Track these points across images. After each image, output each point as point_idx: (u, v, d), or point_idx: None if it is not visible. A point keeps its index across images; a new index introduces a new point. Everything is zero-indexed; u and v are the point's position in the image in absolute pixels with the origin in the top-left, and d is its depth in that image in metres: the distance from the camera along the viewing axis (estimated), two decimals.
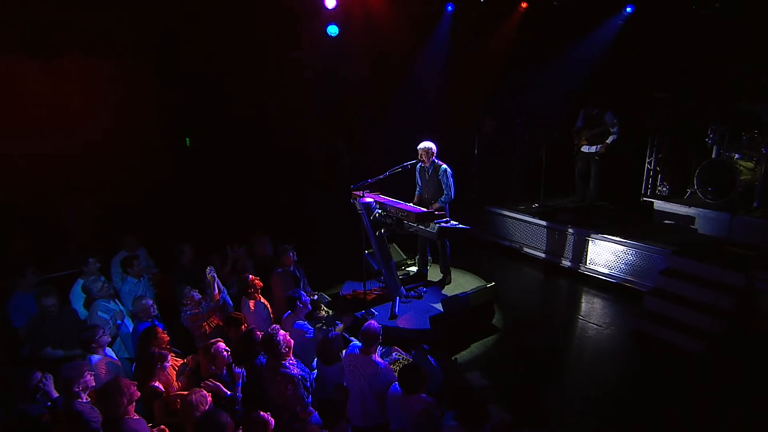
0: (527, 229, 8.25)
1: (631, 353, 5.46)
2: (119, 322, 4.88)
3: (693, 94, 7.89)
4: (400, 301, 6.05)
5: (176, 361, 4.45)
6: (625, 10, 8.21)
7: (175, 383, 4.22)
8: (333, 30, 7.37)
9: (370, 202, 5.67)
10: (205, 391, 3.50)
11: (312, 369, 4.53)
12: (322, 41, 7.49)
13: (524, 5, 8.44)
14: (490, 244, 8.71)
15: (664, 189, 7.72)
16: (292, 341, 4.06)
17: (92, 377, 3.67)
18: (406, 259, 7.34)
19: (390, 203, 5.80)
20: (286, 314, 4.94)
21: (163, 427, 3.51)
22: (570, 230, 7.51)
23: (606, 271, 7.10)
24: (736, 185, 6.70)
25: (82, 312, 5.13)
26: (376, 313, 5.83)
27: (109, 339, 4.46)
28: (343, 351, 4.30)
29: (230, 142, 8.47)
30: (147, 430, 3.34)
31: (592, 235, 7.19)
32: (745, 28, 7.14)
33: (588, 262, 7.31)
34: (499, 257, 8.32)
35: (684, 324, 5.47)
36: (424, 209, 5.64)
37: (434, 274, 6.98)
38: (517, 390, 4.75)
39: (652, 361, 5.24)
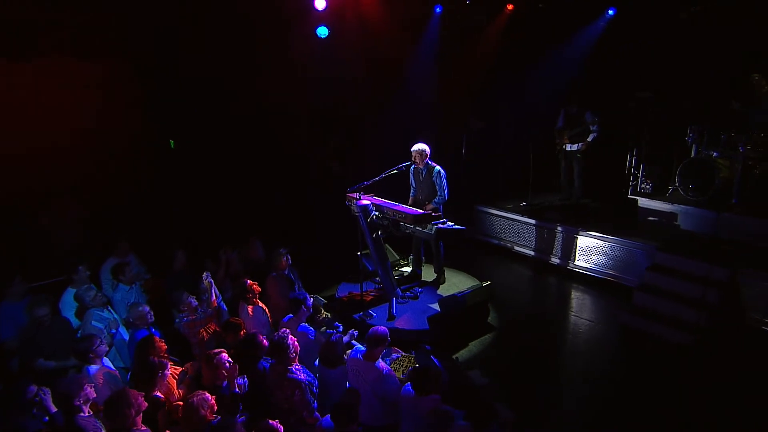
0: (516, 228, 8.39)
1: (623, 348, 5.64)
2: (114, 331, 4.77)
3: (673, 94, 8.17)
4: (396, 302, 6.07)
5: (174, 369, 4.39)
6: (608, 13, 8.42)
7: (175, 392, 4.16)
8: (323, 31, 7.33)
9: (367, 204, 5.68)
10: (207, 394, 3.45)
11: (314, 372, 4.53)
12: (311, 42, 7.44)
13: (510, 7, 8.57)
14: (479, 243, 8.82)
15: (648, 187, 7.96)
16: (299, 346, 4.05)
17: (92, 389, 3.59)
18: (399, 260, 7.38)
19: (387, 205, 5.82)
20: (286, 318, 4.91)
21: None
22: (559, 228, 7.67)
23: (594, 267, 7.28)
24: (716, 183, 6.97)
25: (74, 321, 5.00)
26: (375, 314, 5.86)
27: (107, 348, 4.36)
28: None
29: (217, 143, 8.35)
30: None
31: (581, 233, 7.37)
32: (722, 31, 7.41)
33: (576, 259, 7.48)
34: (490, 256, 8.43)
35: (672, 318, 5.67)
36: (421, 211, 5.67)
37: (428, 274, 7.04)
38: (516, 387, 4.84)
39: (643, 355, 5.42)
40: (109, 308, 4.96)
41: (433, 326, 5.54)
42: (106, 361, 4.36)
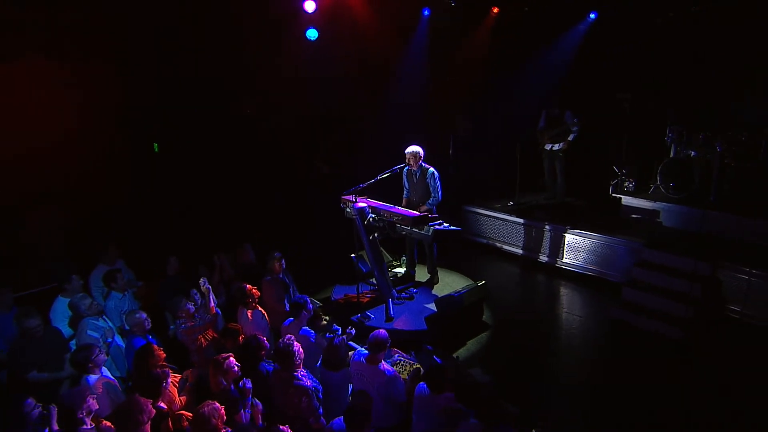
0: (505, 227, 8.54)
1: (614, 342, 5.81)
2: (110, 340, 4.66)
3: (652, 95, 8.47)
4: (392, 303, 6.11)
5: (173, 376, 4.32)
6: (589, 17, 8.66)
7: (177, 400, 4.11)
8: (312, 34, 7.31)
9: (364, 207, 5.70)
10: (217, 403, 3.42)
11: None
12: (301, 45, 7.41)
13: (495, 10, 8.72)
14: (468, 243, 8.93)
15: (631, 185, 8.23)
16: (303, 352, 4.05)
17: (95, 401, 3.51)
18: (391, 261, 7.42)
19: (384, 208, 5.86)
20: (287, 321, 4.89)
21: None
22: (547, 227, 7.85)
23: (582, 264, 7.47)
24: (695, 181, 7.26)
25: (66, 331, 4.87)
26: (373, 316, 5.88)
27: (106, 358, 4.26)
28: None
29: (204, 146, 8.22)
30: None
31: (569, 231, 7.55)
32: (699, 34, 7.73)
33: (564, 256, 7.67)
34: (479, 255, 8.55)
35: (661, 312, 5.88)
36: (417, 213, 5.73)
37: (421, 274, 7.10)
38: (515, 384, 4.94)
39: (634, 349, 5.59)
40: (104, 317, 4.84)
41: (431, 326, 5.60)
42: (105, 370, 4.26)
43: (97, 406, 3.52)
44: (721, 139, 7.07)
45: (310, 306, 4.83)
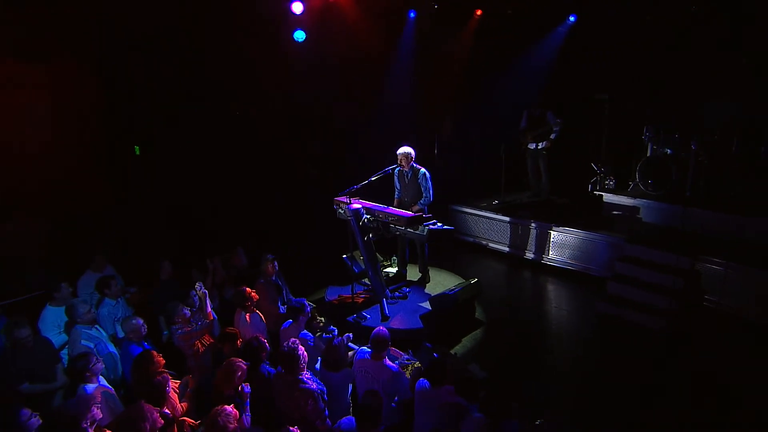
0: (491, 225, 8.71)
1: (602, 335, 6.01)
2: (105, 349, 4.56)
3: (629, 96, 8.77)
4: (387, 303, 6.16)
5: (173, 383, 4.28)
6: (569, 20, 8.91)
7: (178, 406, 4.08)
8: (300, 35, 7.30)
9: (359, 208, 5.74)
10: (229, 408, 3.41)
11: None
12: (288, 47, 7.39)
13: (479, 12, 8.88)
14: (455, 241, 9.06)
15: (611, 183, 8.51)
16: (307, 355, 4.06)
17: (99, 410, 3.45)
18: (382, 261, 7.47)
19: (378, 209, 5.91)
20: (286, 324, 4.90)
21: None
22: (533, 224, 8.04)
23: (567, 260, 7.69)
24: (672, 178, 7.58)
25: (56, 341, 4.74)
26: (369, 316, 5.93)
27: (103, 366, 4.18)
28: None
29: (185, 149, 8.09)
30: None
31: (554, 228, 7.76)
32: (672, 38, 8.06)
33: (550, 253, 7.88)
34: (466, 253, 8.69)
35: (645, 305, 6.12)
36: (411, 213, 5.80)
37: (411, 273, 7.18)
38: (511, 378, 5.07)
39: (620, 341, 5.81)
40: (97, 326, 4.73)
41: (427, 324, 5.69)
42: (102, 379, 4.18)
43: (101, 415, 3.46)
44: (696, 137, 7.40)
45: (309, 309, 4.84)
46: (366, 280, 6.84)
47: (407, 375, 4.46)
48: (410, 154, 6.31)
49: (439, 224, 5.76)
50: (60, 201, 7.15)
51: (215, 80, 7.43)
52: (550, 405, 4.66)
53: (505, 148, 8.47)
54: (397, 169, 6.46)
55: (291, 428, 3.42)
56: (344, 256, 7.09)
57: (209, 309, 4.91)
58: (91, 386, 3.97)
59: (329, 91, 8.39)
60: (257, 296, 5.07)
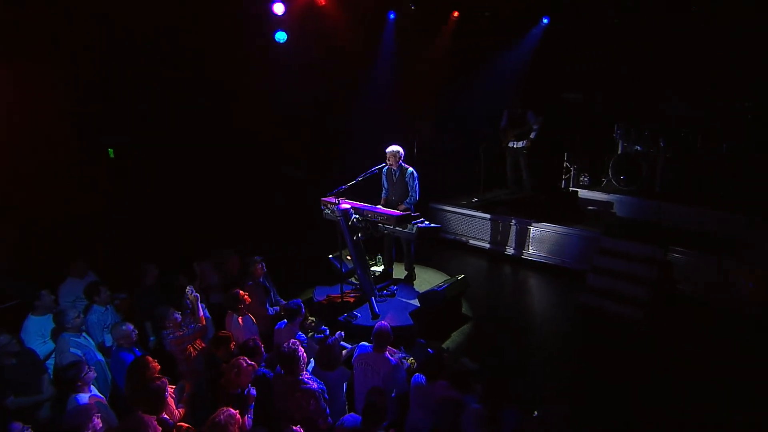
0: (472, 223, 8.90)
1: (584, 324, 6.28)
2: (97, 357, 4.46)
3: (600, 94, 9.14)
4: (375, 301, 6.23)
5: (168, 388, 4.22)
6: (542, 22, 9.19)
7: (176, 411, 4.03)
8: (281, 36, 7.26)
9: (348, 208, 5.78)
10: (232, 409, 3.41)
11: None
12: (269, 48, 7.34)
13: (456, 14, 9.05)
14: (433, 240, 9.15)
15: (586, 179, 8.84)
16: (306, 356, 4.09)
17: (100, 419, 3.39)
18: (367, 260, 7.52)
19: (366, 208, 5.96)
20: (280, 324, 4.90)
21: None
22: (513, 221, 8.27)
23: (546, 255, 7.95)
24: (643, 174, 7.96)
25: (40, 351, 4.59)
26: (359, 315, 5.98)
27: (95, 375, 4.08)
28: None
29: (163, 151, 7.92)
30: None
31: (533, 224, 8.01)
32: (641, 39, 8.45)
33: (530, 248, 8.12)
34: (447, 251, 8.82)
35: (623, 295, 6.42)
36: (399, 212, 5.88)
37: (397, 272, 7.26)
38: (501, 369, 5.23)
39: (602, 330, 6.08)
40: (84, 334, 4.60)
41: (417, 321, 5.79)
42: (93, 389, 4.09)
43: (101, 425, 3.40)
44: (664, 135, 7.79)
45: (304, 311, 4.86)
46: (353, 280, 6.90)
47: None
48: (399, 152, 6.38)
49: (426, 222, 5.86)
50: (29, 206, 6.89)
51: (194, 80, 7.29)
52: (542, 394, 4.83)
53: (483, 147, 8.66)
54: (385, 168, 6.52)
55: (294, 428, 3.46)
56: (330, 256, 7.13)
57: (201, 313, 4.85)
58: (83, 396, 3.88)
59: (310, 92, 8.38)
60: (249, 299, 5.04)
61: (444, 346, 5.60)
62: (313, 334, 5.27)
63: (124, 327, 4.38)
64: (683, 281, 6.56)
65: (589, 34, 8.80)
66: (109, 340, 4.85)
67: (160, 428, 3.37)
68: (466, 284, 6.44)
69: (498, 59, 9.52)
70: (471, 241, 8.92)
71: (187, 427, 3.82)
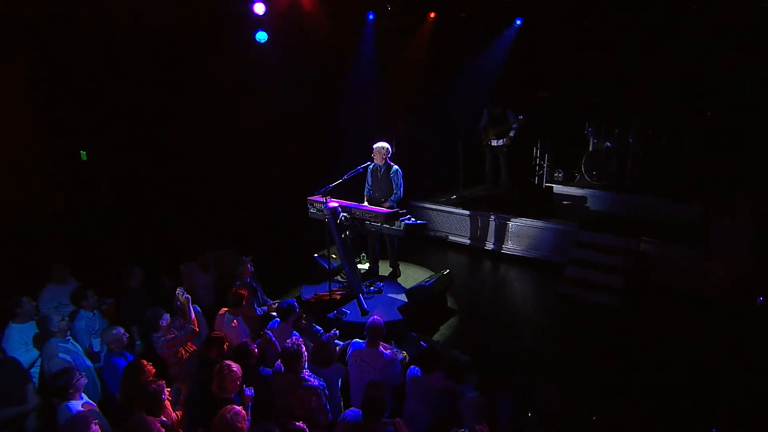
0: (451, 219, 9.08)
1: (565, 313, 6.54)
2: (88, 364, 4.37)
3: (571, 93, 9.48)
4: (363, 298, 6.30)
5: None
6: (516, 23, 9.46)
7: (173, 414, 4.00)
8: (262, 36, 7.21)
9: (336, 206, 5.83)
10: (238, 407, 3.43)
11: None
12: (249, 48, 7.29)
13: (432, 15, 9.21)
14: (413, 236, 9.26)
15: (560, 175, 9.17)
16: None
17: (98, 426, 3.34)
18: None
19: (354, 206, 6.03)
20: (274, 323, 4.91)
21: None
22: (492, 216, 8.49)
23: (525, 249, 8.21)
24: (614, 169, 8.33)
25: (24, 359, 4.45)
26: (348, 312, 6.04)
27: (86, 381, 4.00)
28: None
29: (138, 153, 7.74)
30: None
31: (511, 219, 8.25)
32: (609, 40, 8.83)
33: (509, 243, 8.37)
34: (427, 247, 8.96)
35: (599, 283, 6.72)
36: (387, 209, 5.97)
37: (382, 269, 7.35)
38: (490, 360, 5.40)
39: (581, 317, 6.37)
40: (71, 340, 4.49)
41: (405, 316, 5.90)
42: (83, 395, 4.00)
43: None
44: (632, 132, 8.19)
45: (298, 310, 4.89)
46: (339, 278, 6.95)
47: None
48: (386, 148, 6.45)
49: (413, 219, 5.98)
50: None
51: (176, 80, 7.16)
52: (529, 381, 5.01)
53: (462, 145, 8.86)
54: (370, 165, 6.59)
55: (297, 423, 3.49)
56: (316, 255, 7.16)
57: (193, 316, 4.80)
58: (75, 403, 3.80)
59: (291, 91, 8.35)
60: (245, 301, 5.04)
61: (434, 339, 5.74)
62: (307, 333, 5.29)
63: (115, 331, 4.31)
64: (655, 269, 6.92)
65: (560, 35, 9.11)
66: (97, 345, 4.75)
67: (164, 430, 3.35)
68: (452, 279, 6.59)
69: (475, 59, 9.75)
70: (451, 237, 9.11)
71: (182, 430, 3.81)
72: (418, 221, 6.04)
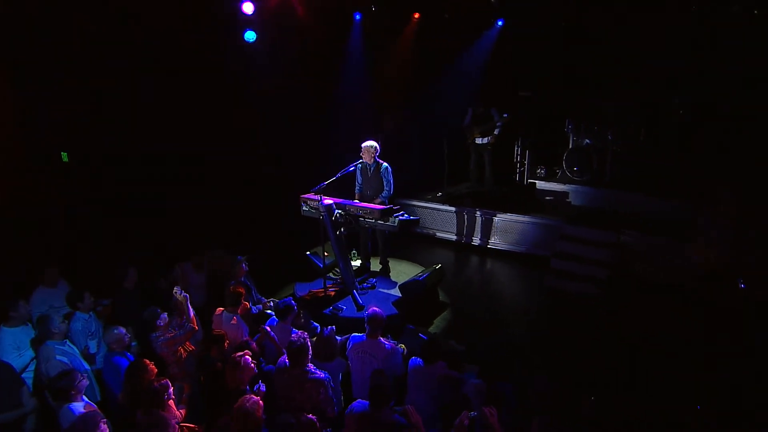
0: (438, 216, 9.23)
1: (550, 304, 6.79)
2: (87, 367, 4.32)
3: (551, 92, 9.77)
4: (358, 294, 6.38)
5: None
6: (497, 24, 9.69)
7: (177, 413, 4.00)
8: (250, 36, 7.19)
9: (331, 204, 5.89)
10: (254, 397, 3.46)
11: None
12: (238, 47, 7.26)
13: (417, 15, 9.35)
14: (402, 233, 9.37)
15: (542, 172, 9.44)
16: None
17: (106, 425, 3.32)
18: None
19: (349, 203, 6.11)
20: (272, 321, 4.93)
21: None
22: (477, 212, 8.68)
23: (510, 243, 8.44)
24: (594, 166, 8.65)
25: (16, 363, 4.37)
26: (344, 307, 6.11)
27: (88, 382, 3.96)
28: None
29: (131, 153, 7.61)
30: None
31: (497, 215, 8.46)
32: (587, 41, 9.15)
33: (495, 238, 8.58)
34: (415, 244, 9.06)
35: (583, 275, 6.98)
36: (384, 206, 6.07)
37: (373, 265, 7.44)
38: (485, 351, 5.56)
39: (567, 308, 6.61)
40: (68, 342, 4.42)
41: (400, 309, 6.01)
42: (84, 397, 3.96)
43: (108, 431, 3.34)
44: (611, 129, 8.52)
45: (296, 309, 4.93)
46: (331, 274, 7.00)
47: None
48: (374, 147, 6.55)
49: (407, 215, 6.09)
50: None
51: (166, 79, 7.08)
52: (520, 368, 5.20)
53: (447, 143, 9.01)
54: (359, 164, 6.66)
55: (309, 416, 3.55)
56: (308, 252, 7.19)
57: (192, 314, 4.79)
58: (77, 405, 3.78)
59: (280, 90, 8.35)
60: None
61: (432, 330, 5.87)
62: (305, 330, 5.33)
63: (116, 331, 4.29)
64: (635, 261, 7.22)
65: (539, 35, 9.37)
66: (93, 347, 4.69)
67: (177, 427, 3.35)
68: (444, 273, 6.73)
69: (459, 59, 9.92)
70: (438, 234, 9.26)
71: (193, 427, 3.82)
72: (411, 217, 6.15)
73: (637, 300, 6.66)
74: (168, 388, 3.85)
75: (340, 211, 6.00)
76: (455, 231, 9.06)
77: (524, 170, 9.65)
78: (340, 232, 6.09)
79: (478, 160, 9.44)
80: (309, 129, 8.98)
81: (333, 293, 6.45)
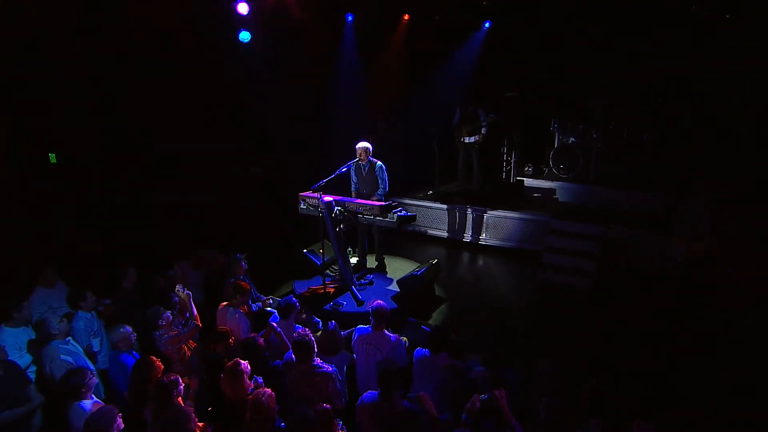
0: (429, 213, 9.39)
1: (543, 297, 6.99)
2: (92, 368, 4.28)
3: (536, 92, 10.03)
4: (356, 290, 6.46)
5: None
6: (484, 26, 9.90)
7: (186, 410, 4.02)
8: (245, 36, 7.20)
9: (331, 201, 5.97)
10: (268, 390, 3.51)
11: None
12: (232, 47, 7.27)
13: (407, 17, 9.49)
14: (395, 231, 9.51)
15: (530, 169, 9.68)
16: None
17: (121, 420, 3.34)
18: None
19: (348, 200, 6.20)
20: (274, 319, 4.97)
21: None
22: (468, 210, 8.86)
23: (501, 239, 8.63)
24: (580, 163, 8.92)
25: (21, 363, 4.32)
26: (344, 303, 6.18)
27: (98, 380, 3.95)
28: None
29: (113, 154, 7.53)
30: None
31: (488, 212, 8.65)
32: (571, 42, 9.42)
33: (486, 234, 8.76)
34: (408, 241, 9.21)
35: (574, 268, 7.21)
36: (382, 203, 6.18)
37: (369, 262, 7.54)
38: (483, 343, 5.72)
39: (559, 300, 6.83)
40: (72, 341, 4.39)
41: (399, 304, 6.12)
42: (93, 395, 3.95)
43: (123, 426, 3.35)
44: (596, 128, 8.81)
45: (299, 307, 4.98)
46: (329, 271, 7.06)
47: None
48: (368, 148, 6.67)
49: (405, 212, 6.21)
50: None
51: (159, 78, 7.04)
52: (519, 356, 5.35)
53: (437, 143, 9.17)
54: (353, 163, 6.76)
55: (324, 405, 3.61)
56: (305, 250, 7.24)
57: (196, 312, 4.80)
58: (87, 402, 3.79)
59: (272, 89, 8.37)
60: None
61: (431, 323, 5.98)
62: (307, 326, 5.39)
63: (122, 329, 4.29)
64: (622, 253, 7.49)
65: (525, 37, 9.62)
66: (96, 345, 4.67)
67: (196, 419, 3.38)
68: (440, 268, 6.87)
69: (449, 59, 10.10)
70: (430, 231, 9.41)
71: (203, 425, 3.84)
72: (409, 213, 6.27)
73: (626, 289, 6.90)
74: (178, 383, 3.87)
75: (339, 208, 6.08)
76: (447, 228, 9.22)
77: (511, 168, 9.89)
78: (340, 228, 6.17)
79: (466, 159, 9.62)
80: (305, 129, 9.02)
81: (332, 290, 6.52)
